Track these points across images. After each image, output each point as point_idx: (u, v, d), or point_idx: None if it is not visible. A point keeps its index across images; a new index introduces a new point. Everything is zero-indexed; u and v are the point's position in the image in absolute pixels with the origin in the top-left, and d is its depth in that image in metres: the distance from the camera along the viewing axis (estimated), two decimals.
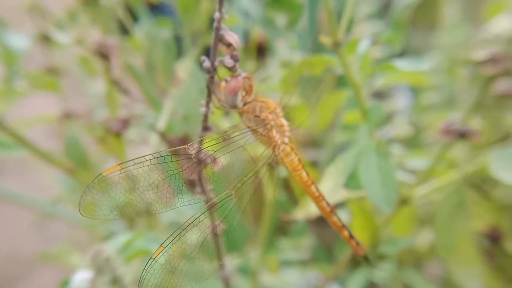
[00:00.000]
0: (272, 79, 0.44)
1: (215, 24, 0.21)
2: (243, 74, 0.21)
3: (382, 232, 0.36)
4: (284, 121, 0.22)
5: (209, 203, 0.26)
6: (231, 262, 0.30)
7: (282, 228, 0.64)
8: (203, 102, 0.23)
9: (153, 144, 0.39)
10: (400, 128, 0.61)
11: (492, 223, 0.28)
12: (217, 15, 0.21)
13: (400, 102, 0.68)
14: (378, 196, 0.27)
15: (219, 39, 0.21)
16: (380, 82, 0.43)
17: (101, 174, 0.18)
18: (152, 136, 0.39)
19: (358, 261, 0.37)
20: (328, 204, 0.23)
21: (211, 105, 0.23)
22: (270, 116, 0.21)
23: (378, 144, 0.30)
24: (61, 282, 0.24)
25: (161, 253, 0.20)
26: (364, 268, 0.34)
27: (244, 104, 0.22)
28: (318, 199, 0.23)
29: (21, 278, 0.77)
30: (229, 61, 0.21)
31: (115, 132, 0.36)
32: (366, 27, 0.63)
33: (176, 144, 0.42)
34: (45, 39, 0.46)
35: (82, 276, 0.24)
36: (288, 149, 0.22)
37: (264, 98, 0.22)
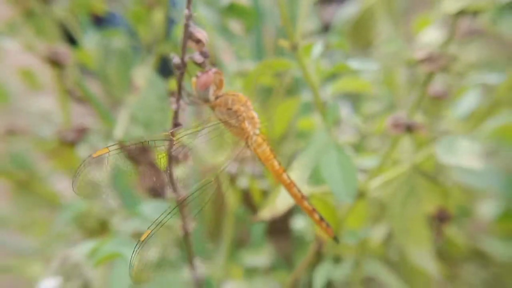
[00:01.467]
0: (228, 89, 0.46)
1: (184, 21, 0.21)
2: (213, 69, 0.22)
3: (341, 226, 0.38)
4: (254, 114, 0.23)
5: (180, 199, 0.26)
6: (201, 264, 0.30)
7: (240, 241, 0.64)
8: (173, 99, 0.23)
9: (111, 155, 0.38)
10: (348, 134, 0.64)
11: (440, 205, 0.31)
12: (186, 12, 0.21)
13: (344, 111, 0.72)
14: (340, 189, 0.29)
15: (188, 36, 0.22)
16: (329, 91, 0.45)
17: (90, 155, 0.17)
18: (109, 146, 0.38)
19: (316, 264, 0.39)
20: (299, 190, 0.24)
21: (181, 101, 0.23)
22: (242, 108, 0.22)
23: (336, 141, 0.32)
24: None
25: (148, 236, 0.19)
26: (326, 265, 0.36)
27: (216, 98, 0.22)
28: (290, 186, 0.24)
29: None
30: (199, 57, 0.22)
31: (70, 142, 0.35)
32: (313, 40, 0.67)
33: (136, 153, 0.41)
34: None
35: (48, 284, 0.22)
36: (259, 139, 0.23)
37: (235, 92, 0.23)
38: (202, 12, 0.36)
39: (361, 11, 0.68)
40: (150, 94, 0.36)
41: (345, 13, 0.72)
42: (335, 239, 0.27)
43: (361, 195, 0.36)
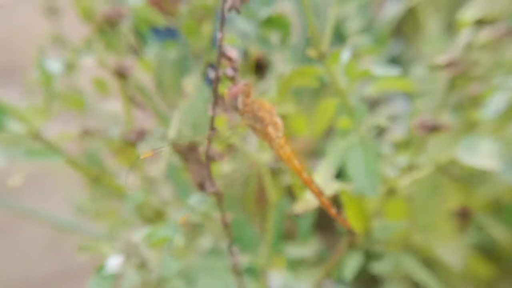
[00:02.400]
0: (271, 91, 0.49)
1: (217, 43, 0.26)
2: (243, 82, 0.26)
3: (376, 222, 0.40)
4: (278, 119, 0.27)
5: (218, 195, 0.31)
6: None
7: (288, 233, 0.68)
8: (210, 106, 0.27)
9: (165, 153, 0.44)
10: (395, 132, 0.65)
11: (462, 203, 0.32)
12: (219, 35, 0.26)
13: (397, 108, 0.73)
14: (363, 184, 0.32)
15: (222, 54, 0.26)
16: (368, 90, 0.48)
17: (139, 157, 0.22)
18: (163, 146, 0.44)
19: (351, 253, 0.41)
20: (317, 187, 0.28)
21: (216, 109, 0.27)
22: (267, 115, 0.26)
23: (363, 139, 0.35)
24: (97, 267, 0.28)
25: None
26: (357, 255, 0.38)
27: (245, 106, 0.26)
28: (309, 182, 0.27)
29: None
30: (230, 72, 0.26)
31: (132, 142, 0.41)
32: (354, 41, 0.68)
33: (185, 152, 0.47)
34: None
35: (114, 260, 0.28)
36: (281, 142, 0.27)
37: (260, 100, 0.27)
38: (242, 24, 0.41)
39: (409, 4, 0.68)
40: (198, 99, 0.41)
41: (392, 9, 0.72)
42: (352, 232, 0.29)
43: (391, 192, 0.39)
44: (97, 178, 0.49)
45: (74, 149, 0.53)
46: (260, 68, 0.60)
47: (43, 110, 0.33)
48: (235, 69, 0.26)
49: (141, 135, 0.41)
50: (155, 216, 0.39)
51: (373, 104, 0.76)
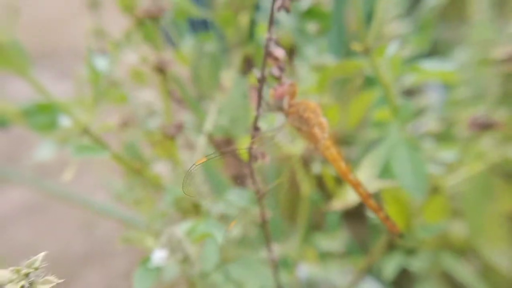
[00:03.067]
0: (304, 81, 0.48)
1: (265, 43, 0.25)
2: (288, 82, 0.26)
3: (416, 220, 0.39)
4: (323, 120, 0.26)
5: (260, 191, 0.31)
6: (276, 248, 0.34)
7: (316, 224, 0.67)
8: (254, 106, 0.27)
9: (201, 146, 0.44)
10: (431, 123, 0.63)
11: None
12: (267, 36, 0.25)
13: (432, 97, 0.70)
14: (411, 185, 0.31)
15: (268, 54, 0.25)
16: (409, 80, 0.46)
17: (194, 164, 0.22)
18: (200, 139, 0.44)
19: (391, 251, 0.41)
20: (365, 190, 0.27)
21: (261, 108, 0.27)
22: (312, 116, 0.25)
23: (408, 138, 0.33)
24: (142, 260, 0.29)
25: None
26: (398, 255, 0.38)
27: (290, 107, 0.26)
28: (357, 185, 0.26)
29: (68, 281, 0.82)
30: (276, 72, 0.26)
31: (171, 136, 0.41)
32: (394, 28, 0.66)
33: (222, 145, 0.47)
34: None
35: (159, 254, 0.28)
36: (328, 143, 0.26)
37: (306, 101, 0.26)
38: (283, 17, 0.40)
39: None
40: (235, 93, 0.41)
41: None
42: (401, 236, 0.28)
43: (436, 190, 0.37)
44: (135, 168, 0.50)
45: (113, 141, 0.55)
46: (289, 56, 0.59)
47: (91, 106, 0.33)
48: (281, 69, 0.26)
49: (180, 128, 0.41)
50: (193, 208, 0.39)
51: (406, 93, 0.73)
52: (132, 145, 0.51)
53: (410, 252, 0.40)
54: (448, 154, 0.45)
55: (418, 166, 0.31)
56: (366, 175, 0.33)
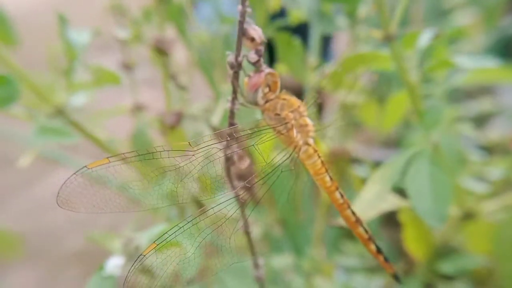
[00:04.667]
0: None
1: (238, 18, 0.20)
2: (267, 70, 0.21)
3: (441, 249, 0.32)
4: (308, 121, 0.20)
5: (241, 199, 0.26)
6: (263, 261, 0.30)
7: (350, 232, 0.61)
8: (229, 98, 0.22)
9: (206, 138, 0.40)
10: (492, 131, 0.54)
11: None
12: (239, 8, 0.20)
13: (503, 100, 0.60)
14: (426, 209, 0.24)
15: (242, 33, 0.20)
16: (459, 80, 0.38)
17: (85, 167, 0.18)
18: (206, 130, 0.40)
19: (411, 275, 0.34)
20: (353, 213, 0.21)
21: (236, 101, 0.22)
22: (291, 115, 0.20)
23: (434, 149, 0.27)
24: (98, 267, 0.25)
25: (152, 251, 0.20)
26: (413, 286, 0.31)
27: (266, 102, 0.21)
28: (342, 207, 0.21)
29: None
30: (253, 56, 0.21)
31: (170, 125, 0.38)
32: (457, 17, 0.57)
33: (225, 138, 0.42)
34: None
35: (115, 262, 0.25)
36: (310, 150, 0.20)
37: (287, 96, 0.21)
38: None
39: None
40: (242, 82, 0.36)
41: None
42: (396, 278, 0.22)
43: (469, 216, 0.30)
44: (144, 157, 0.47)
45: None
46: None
47: (68, 85, 0.30)
48: (258, 53, 0.21)
49: (178, 118, 0.37)
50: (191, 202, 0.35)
51: (471, 94, 0.64)
52: (141, 131, 0.48)
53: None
54: (496, 171, 0.38)
55: (440, 186, 0.25)
56: (375, 191, 0.27)
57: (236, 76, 0.21)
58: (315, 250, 0.51)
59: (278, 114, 0.20)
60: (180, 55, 0.54)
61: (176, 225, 0.26)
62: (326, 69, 0.39)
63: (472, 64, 0.25)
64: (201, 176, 0.22)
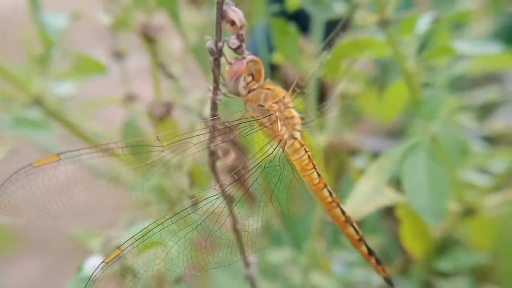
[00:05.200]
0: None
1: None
2: (249, 57, 0.19)
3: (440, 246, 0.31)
4: (294, 112, 0.19)
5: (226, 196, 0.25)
6: (254, 259, 0.28)
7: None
8: (210, 87, 0.21)
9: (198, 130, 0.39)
10: (496, 122, 0.52)
11: None
12: None
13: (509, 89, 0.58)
14: (423, 205, 0.23)
15: (221, 15, 0.19)
16: (462, 67, 0.36)
17: (30, 164, 0.16)
18: (197, 123, 0.38)
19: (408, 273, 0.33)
20: (343, 212, 0.19)
21: (218, 91, 0.20)
22: (276, 106, 0.18)
23: (433, 141, 0.25)
24: (78, 267, 0.24)
25: (116, 258, 0.18)
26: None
27: (249, 92, 0.19)
28: (331, 205, 0.19)
29: None
30: (234, 41, 0.19)
31: (158, 116, 0.36)
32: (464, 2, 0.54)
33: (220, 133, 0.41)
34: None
35: (93, 262, 0.24)
36: (297, 145, 0.19)
37: (272, 86, 0.19)
38: None
39: None
40: None
41: None
42: (388, 282, 0.21)
43: (471, 212, 0.29)
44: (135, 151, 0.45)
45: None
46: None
47: (42, 72, 0.29)
48: (240, 38, 0.19)
49: (168, 109, 0.36)
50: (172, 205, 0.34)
51: (477, 82, 0.62)
52: (132, 122, 0.47)
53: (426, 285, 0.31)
54: (501, 163, 0.36)
55: (438, 180, 0.23)
56: (371, 185, 0.25)
57: (216, 64, 0.20)
58: (315, 244, 0.50)
59: (262, 105, 0.19)
60: (175, 43, 0.52)
61: (150, 225, 0.25)
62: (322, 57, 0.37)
63: (474, 50, 0.23)
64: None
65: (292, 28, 0.40)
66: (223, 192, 0.24)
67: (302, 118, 0.19)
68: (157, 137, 0.18)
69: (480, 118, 0.51)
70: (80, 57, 0.32)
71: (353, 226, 0.19)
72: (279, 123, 0.18)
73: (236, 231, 0.27)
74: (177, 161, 0.32)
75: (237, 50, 0.19)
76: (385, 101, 0.42)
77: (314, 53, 0.45)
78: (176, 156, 0.19)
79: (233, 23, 0.18)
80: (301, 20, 0.41)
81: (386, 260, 0.53)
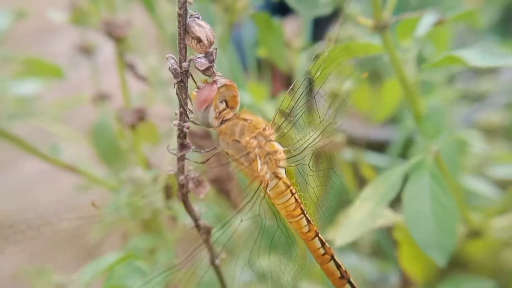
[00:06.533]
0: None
1: (177, 10, 0.15)
2: (222, 81, 0.15)
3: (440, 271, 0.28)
4: (277, 146, 0.15)
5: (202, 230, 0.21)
6: None
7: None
8: (176, 112, 0.17)
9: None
10: (492, 114, 0.49)
11: None
12: None
13: (504, 78, 0.55)
14: (427, 240, 0.20)
15: (186, 30, 0.15)
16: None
17: None
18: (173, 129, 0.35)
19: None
20: (338, 266, 0.16)
21: (186, 118, 0.17)
22: (254, 142, 0.15)
23: (436, 162, 0.22)
24: None
25: None
26: None
27: (222, 122, 0.15)
28: (324, 258, 0.16)
29: None
30: (201, 62, 0.15)
31: (129, 124, 0.32)
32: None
33: (198, 138, 0.37)
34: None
35: None
36: (281, 186, 0.15)
37: (250, 115, 0.15)
38: None
39: None
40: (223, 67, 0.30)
41: None
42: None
43: (476, 234, 0.26)
44: (107, 155, 0.42)
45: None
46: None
47: None
48: (209, 59, 0.15)
49: (140, 115, 0.32)
50: (148, 223, 0.31)
51: (474, 73, 0.59)
52: (104, 125, 0.43)
53: None
54: (500, 168, 0.33)
55: (444, 211, 0.20)
56: (366, 212, 0.22)
57: (182, 87, 0.16)
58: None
59: (237, 141, 0.15)
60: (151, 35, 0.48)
61: None
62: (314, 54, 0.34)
63: (486, 62, 0.20)
64: None
65: (276, 22, 0.36)
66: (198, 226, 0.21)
67: (287, 152, 0.16)
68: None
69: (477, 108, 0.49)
70: (31, 61, 0.28)
71: (350, 283, 0.16)
72: (258, 162, 0.15)
73: (216, 268, 0.24)
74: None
75: (205, 72, 0.15)
76: (379, 102, 0.40)
77: (301, 48, 0.42)
78: None
79: (199, 40, 0.15)
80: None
81: (375, 254, 0.51)
